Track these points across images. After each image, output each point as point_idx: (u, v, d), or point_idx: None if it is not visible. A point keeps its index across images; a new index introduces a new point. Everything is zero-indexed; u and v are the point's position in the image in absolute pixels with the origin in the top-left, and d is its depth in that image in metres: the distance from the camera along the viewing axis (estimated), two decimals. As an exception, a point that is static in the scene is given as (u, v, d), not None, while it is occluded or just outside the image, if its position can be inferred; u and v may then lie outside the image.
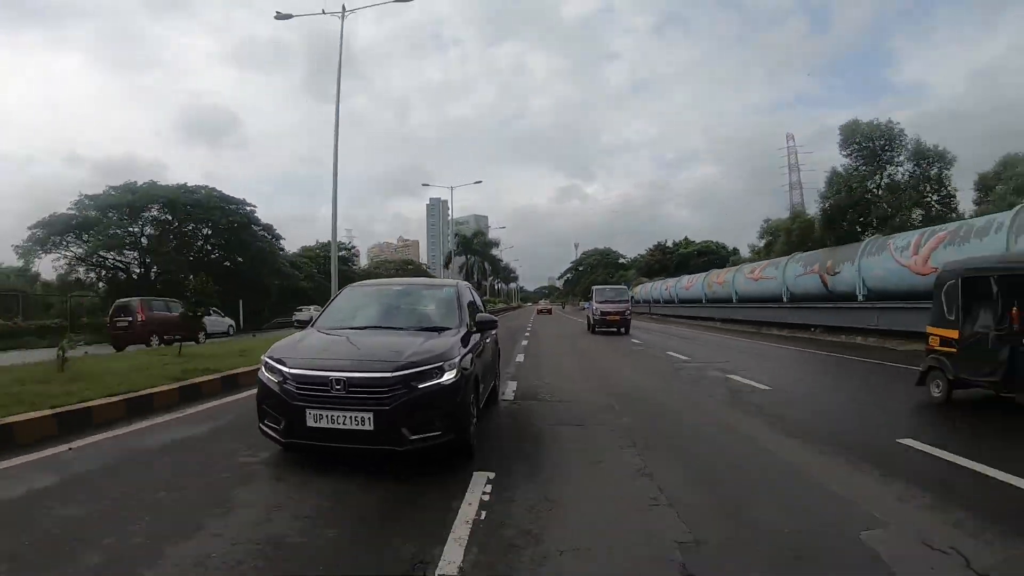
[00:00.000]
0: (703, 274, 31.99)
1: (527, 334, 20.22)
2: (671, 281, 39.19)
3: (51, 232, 32.94)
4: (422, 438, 3.82)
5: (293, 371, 3.97)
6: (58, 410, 5.10)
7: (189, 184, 37.17)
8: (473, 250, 60.12)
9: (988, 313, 6.09)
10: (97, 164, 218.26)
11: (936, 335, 6.67)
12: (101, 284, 35.17)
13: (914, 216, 24.81)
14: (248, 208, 37.68)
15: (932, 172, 25.39)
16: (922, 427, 5.73)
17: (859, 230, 22.35)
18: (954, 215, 23.83)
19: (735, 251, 58.06)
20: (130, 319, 17.06)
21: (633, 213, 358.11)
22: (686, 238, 70.84)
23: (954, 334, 6.39)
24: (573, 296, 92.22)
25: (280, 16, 18.34)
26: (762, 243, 43.20)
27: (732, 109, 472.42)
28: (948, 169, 25.78)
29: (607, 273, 76.00)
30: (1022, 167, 28.93)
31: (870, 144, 27.00)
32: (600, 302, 22.08)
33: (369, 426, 3.74)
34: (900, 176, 26.66)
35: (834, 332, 16.86)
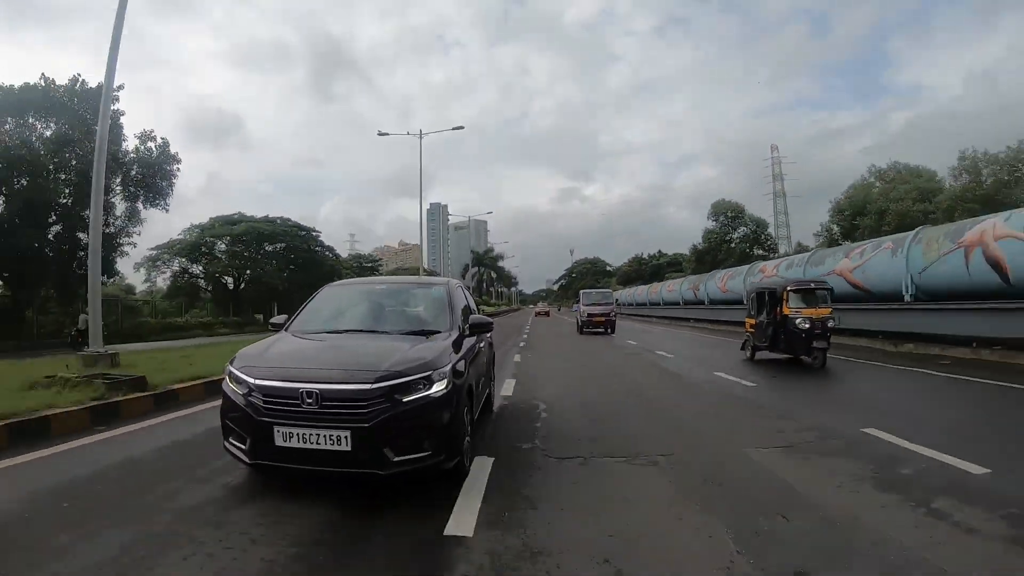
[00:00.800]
0: (647, 286, 45.28)
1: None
2: (630, 290, 52.44)
3: (172, 254, 45.26)
4: (408, 459, 3.38)
5: (259, 382, 3.52)
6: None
7: (270, 216, 49.62)
8: (484, 263, 74.74)
9: (764, 310, 11.02)
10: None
11: (748, 322, 11.85)
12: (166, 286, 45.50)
13: (757, 255, 39.10)
14: (315, 234, 50.24)
15: (761, 230, 40.87)
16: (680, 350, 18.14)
17: (717, 265, 38.07)
18: (775, 255, 38.28)
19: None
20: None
21: (634, 215, 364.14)
22: (660, 251, 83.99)
23: (752, 321, 11.49)
24: (567, 299, 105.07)
25: (381, 134, 30.16)
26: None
27: (732, 111, 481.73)
28: (767, 230, 45.57)
29: (595, 279, 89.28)
30: (858, 196, 41.17)
31: (726, 214, 46.68)
32: (587, 305, 23.54)
33: (346, 446, 3.29)
34: (747, 232, 42.67)
35: (700, 322, 29.43)
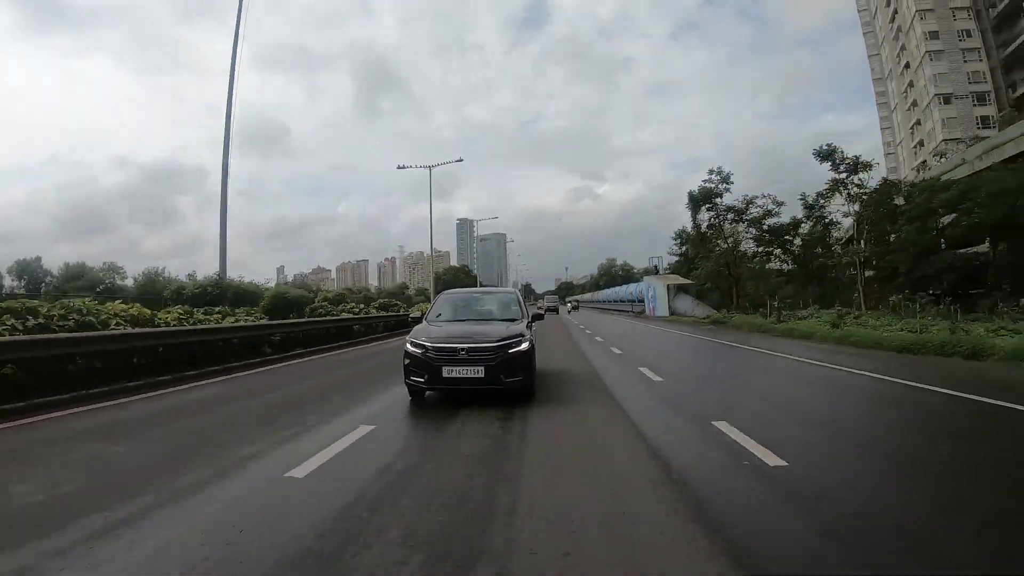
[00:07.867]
0: (586, 293, 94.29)
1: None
2: (577, 296, 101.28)
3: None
4: (511, 381, 6.40)
5: (434, 344, 6.47)
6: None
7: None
8: (528, 289, 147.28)
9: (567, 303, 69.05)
10: (142, 167, 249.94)
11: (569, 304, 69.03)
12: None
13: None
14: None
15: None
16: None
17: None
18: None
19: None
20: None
21: (644, 213, 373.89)
22: (624, 262, 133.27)
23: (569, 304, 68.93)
24: (561, 301, 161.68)
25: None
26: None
27: (743, 114, 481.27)
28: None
29: (568, 291, 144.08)
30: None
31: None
32: (547, 301, 65.62)
33: (481, 374, 6.27)
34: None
35: (598, 308, 76.00)
